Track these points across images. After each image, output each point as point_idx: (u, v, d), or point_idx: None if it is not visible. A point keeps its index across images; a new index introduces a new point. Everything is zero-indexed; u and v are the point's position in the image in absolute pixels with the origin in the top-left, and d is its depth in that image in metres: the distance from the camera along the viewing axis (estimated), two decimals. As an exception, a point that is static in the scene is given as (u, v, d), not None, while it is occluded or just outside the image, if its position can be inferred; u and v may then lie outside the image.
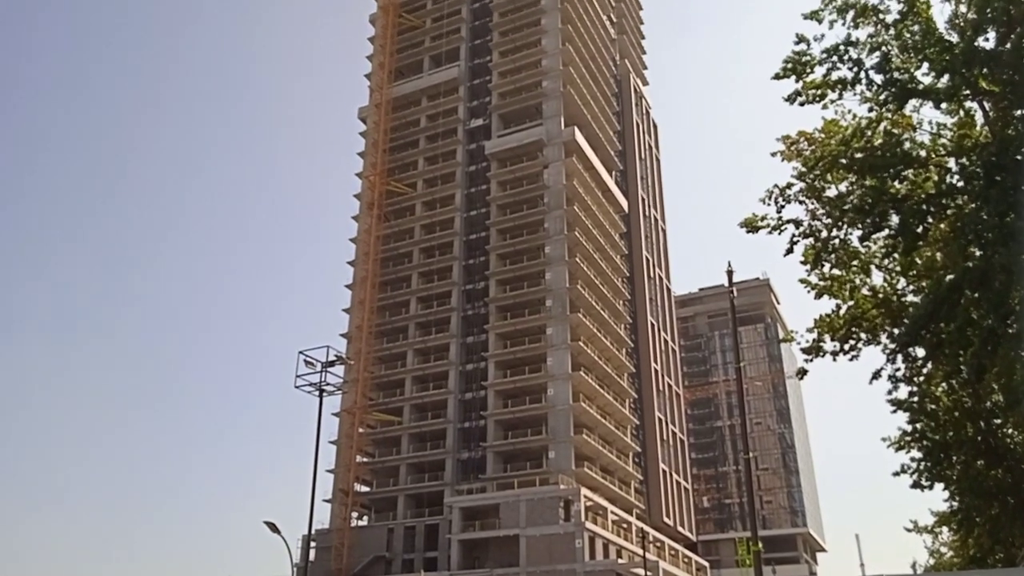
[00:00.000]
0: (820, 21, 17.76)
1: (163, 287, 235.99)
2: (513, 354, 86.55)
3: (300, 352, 39.13)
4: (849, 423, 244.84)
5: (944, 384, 21.39)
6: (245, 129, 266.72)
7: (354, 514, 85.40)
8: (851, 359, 19.52)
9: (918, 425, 23.37)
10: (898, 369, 19.25)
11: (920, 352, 18.55)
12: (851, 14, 17.29)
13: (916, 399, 22.57)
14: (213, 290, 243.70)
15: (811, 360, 19.71)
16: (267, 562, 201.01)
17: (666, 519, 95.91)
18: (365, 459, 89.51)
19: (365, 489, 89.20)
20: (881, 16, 17.13)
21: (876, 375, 18.54)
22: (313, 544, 70.81)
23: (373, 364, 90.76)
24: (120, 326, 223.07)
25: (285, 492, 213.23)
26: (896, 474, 24.71)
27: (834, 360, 19.63)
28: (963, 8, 16.62)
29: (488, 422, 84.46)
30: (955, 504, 26.58)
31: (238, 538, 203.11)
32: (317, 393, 39.11)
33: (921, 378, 21.08)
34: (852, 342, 19.31)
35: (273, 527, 35.15)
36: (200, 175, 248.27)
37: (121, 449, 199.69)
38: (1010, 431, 22.35)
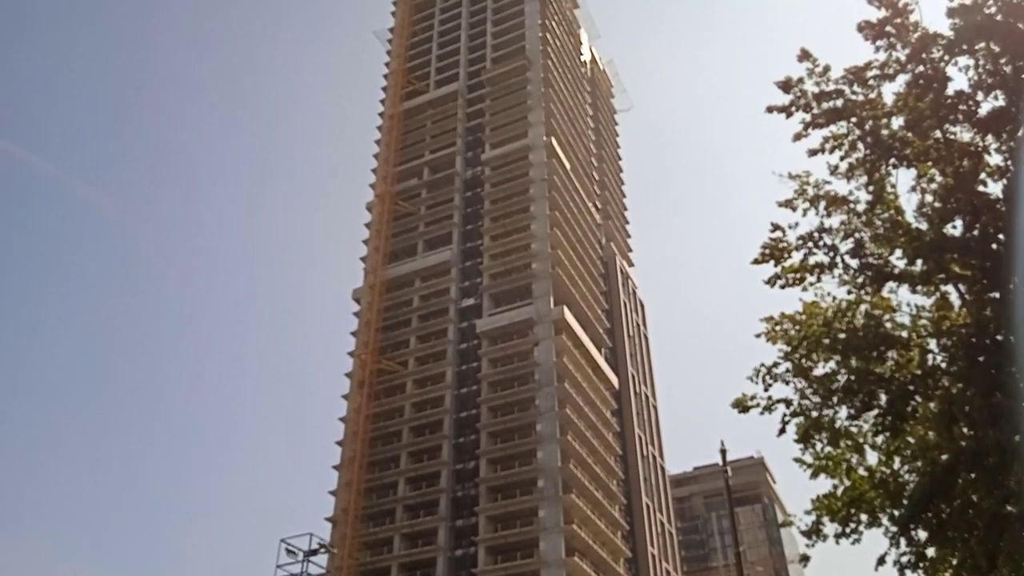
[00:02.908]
0: (794, 209, 18.60)
1: (144, 469, 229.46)
2: (504, 539, 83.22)
3: (282, 540, 37.78)
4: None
5: (951, 570, 20.58)
6: (241, 309, 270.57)
7: None
8: (853, 543, 18.87)
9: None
10: (903, 554, 18.57)
11: (923, 535, 18.01)
12: (823, 203, 18.15)
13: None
14: (193, 468, 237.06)
15: (812, 544, 18.99)
16: None
17: None
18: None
19: None
20: (851, 205, 18.00)
21: (881, 561, 17.85)
22: None
23: (359, 550, 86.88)
24: (103, 507, 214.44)
25: None
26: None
27: (837, 543, 18.98)
28: (929, 198, 17.52)
29: (478, 614, 79.75)
30: None
31: None
32: (299, 584, 37.22)
33: (926, 564, 20.31)
34: (853, 525, 18.74)
35: None
36: (192, 350, 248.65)
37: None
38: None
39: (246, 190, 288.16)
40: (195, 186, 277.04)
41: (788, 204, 18.67)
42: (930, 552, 19.64)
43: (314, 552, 37.70)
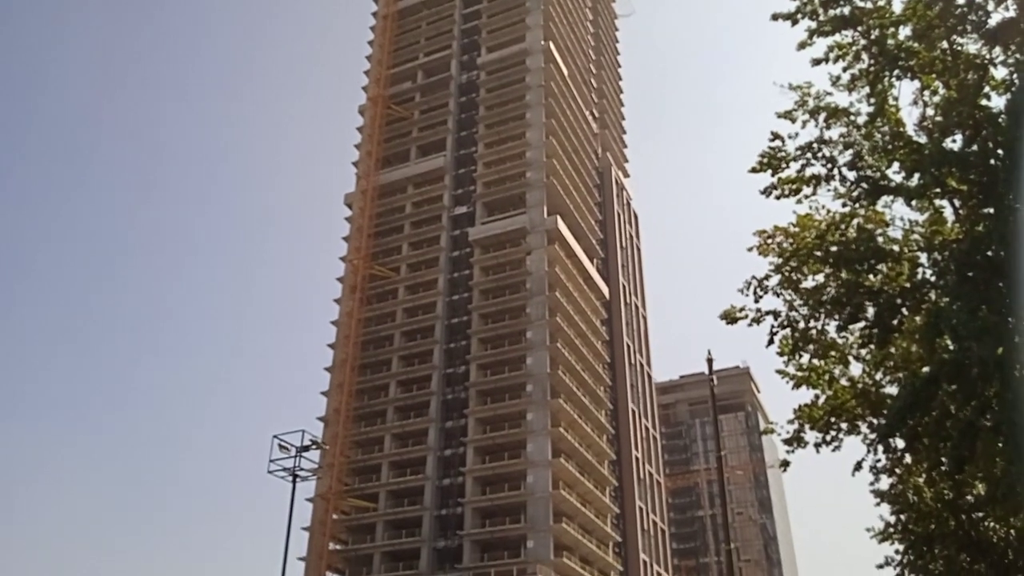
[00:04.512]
0: (794, 120, 18.40)
1: (138, 368, 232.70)
2: (492, 440, 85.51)
3: (274, 436, 38.54)
4: (832, 514, 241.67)
5: (925, 476, 21.34)
6: (232, 211, 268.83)
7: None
8: (833, 450, 19.47)
9: (901, 517, 23.18)
10: (879, 460, 19.21)
11: (900, 443, 18.58)
12: (823, 115, 17.95)
13: (898, 491, 22.46)
14: (190, 370, 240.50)
15: (792, 451, 19.60)
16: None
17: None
18: (338, 547, 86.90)
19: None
20: (852, 117, 17.81)
21: (858, 466, 18.49)
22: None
23: (350, 449, 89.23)
24: (97, 406, 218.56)
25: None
26: (880, 566, 24.34)
27: (816, 451, 19.57)
28: (930, 111, 17.34)
29: (465, 509, 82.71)
30: (940, 600, 26.14)
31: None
32: (291, 478, 38.33)
33: (901, 469, 21.04)
34: (833, 433, 19.28)
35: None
36: (184, 253, 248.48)
37: (93, 535, 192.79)
38: (992, 524, 22.19)
39: (235, 91, 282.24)
40: (182, 86, 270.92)
41: (788, 115, 18.48)
42: (906, 459, 20.35)
43: (306, 448, 38.52)
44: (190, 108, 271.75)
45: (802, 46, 17.86)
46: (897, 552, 23.81)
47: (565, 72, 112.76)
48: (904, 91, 18.08)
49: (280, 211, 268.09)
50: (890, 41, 16.98)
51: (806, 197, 18.39)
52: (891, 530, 24.02)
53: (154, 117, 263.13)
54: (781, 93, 18.46)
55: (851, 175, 17.43)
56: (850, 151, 17.63)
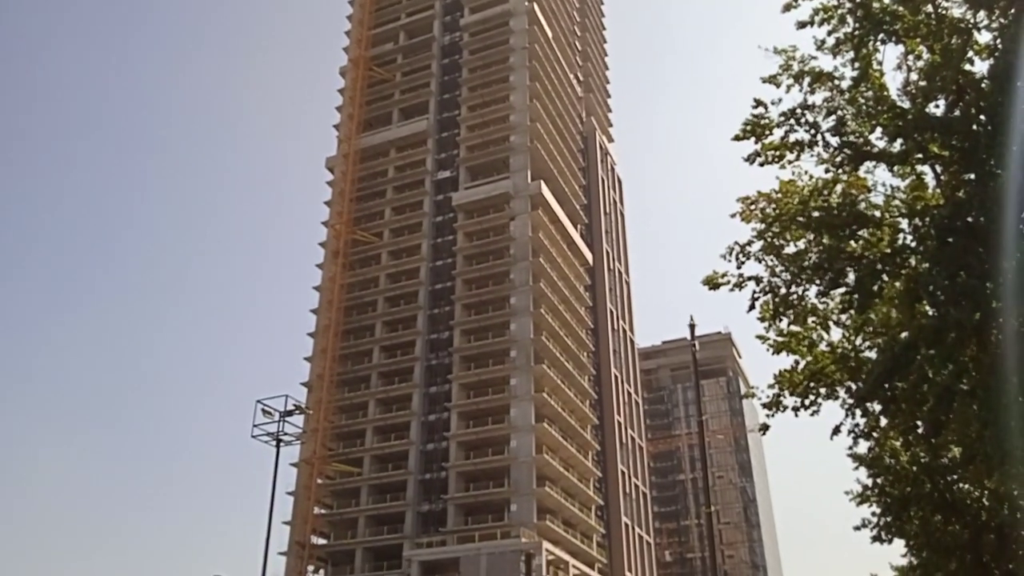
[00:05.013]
0: (778, 85, 18.33)
1: (122, 330, 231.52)
2: (476, 405, 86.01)
3: (258, 401, 38.55)
4: (811, 477, 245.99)
5: (902, 439, 21.67)
6: (210, 175, 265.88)
7: (310, 567, 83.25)
8: (812, 414, 19.70)
9: (878, 480, 23.59)
10: (857, 424, 19.46)
11: (878, 407, 18.81)
12: (807, 80, 17.88)
13: (875, 454, 22.82)
14: (171, 335, 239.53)
15: (772, 415, 19.81)
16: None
17: (628, 573, 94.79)
18: (323, 511, 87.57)
19: (322, 542, 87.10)
20: (836, 82, 17.76)
21: (836, 430, 18.71)
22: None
23: (333, 414, 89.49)
24: (75, 367, 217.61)
25: (239, 545, 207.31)
26: (857, 528, 24.84)
27: (795, 415, 19.79)
28: (914, 76, 17.31)
29: (450, 474, 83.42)
30: (914, 559, 26.74)
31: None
32: (274, 443, 38.42)
33: (879, 434, 21.34)
34: (812, 397, 19.48)
35: (225, 582, 34.04)
36: (160, 217, 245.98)
37: (68, 498, 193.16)
38: (967, 487, 22.63)
39: (213, 51, 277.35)
40: (159, 45, 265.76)
41: (772, 80, 18.41)
42: (883, 423, 20.62)
43: (290, 413, 38.57)
44: (168, 69, 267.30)
45: (787, 8, 17.77)
46: (874, 514, 24.29)
47: (549, 34, 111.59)
48: (888, 56, 18.00)
49: (261, 175, 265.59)
50: (875, 4, 16.91)
51: (789, 163, 18.39)
52: (868, 493, 24.49)
53: (131, 78, 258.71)
54: (766, 57, 18.37)
55: (834, 141, 17.42)
56: (833, 117, 17.61)
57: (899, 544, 25.32)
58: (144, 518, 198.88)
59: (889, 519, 23.53)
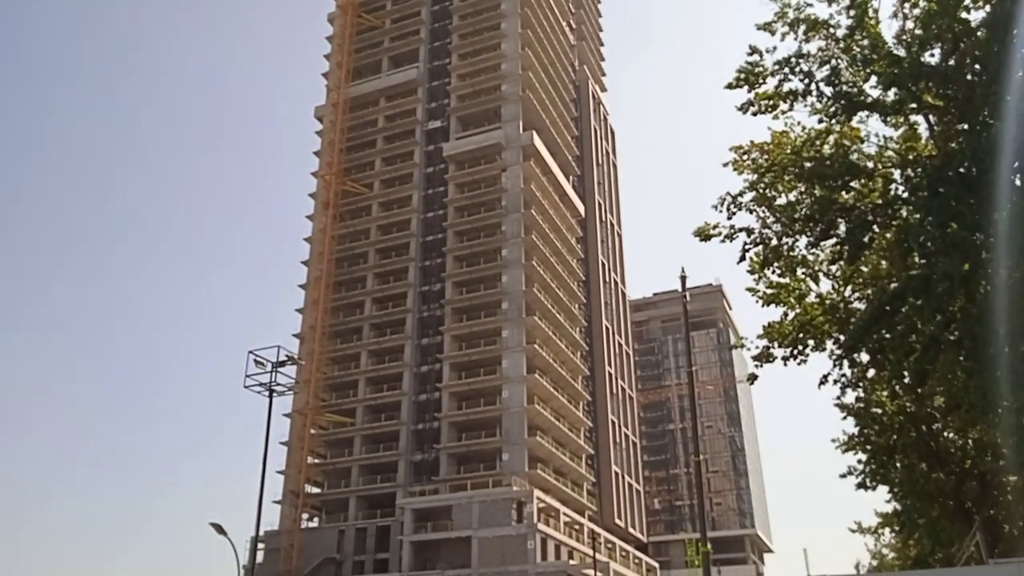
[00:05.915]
0: (773, 33, 18.11)
1: (112, 281, 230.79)
2: (468, 356, 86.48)
3: (250, 352, 38.55)
4: (799, 426, 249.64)
5: (888, 389, 21.95)
6: (198, 123, 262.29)
7: (304, 516, 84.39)
8: (799, 364, 19.90)
9: (864, 429, 24.00)
10: (844, 374, 19.68)
11: (865, 358, 19.00)
12: (803, 28, 17.65)
13: (862, 403, 23.15)
14: (162, 287, 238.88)
15: (761, 366, 20.01)
16: (214, 565, 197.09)
17: (618, 521, 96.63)
18: (316, 461, 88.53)
19: (316, 491, 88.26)
20: (831, 30, 17.53)
21: (824, 380, 18.93)
22: (262, 546, 69.84)
23: (326, 365, 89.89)
24: (65, 320, 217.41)
25: (233, 494, 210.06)
26: (843, 476, 25.38)
27: (784, 365, 19.98)
28: (910, 24, 17.09)
29: (442, 424, 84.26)
30: (898, 506, 27.36)
31: (185, 540, 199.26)
32: (267, 394, 38.61)
33: (866, 383, 21.61)
34: (800, 348, 19.65)
35: (219, 529, 34.53)
36: (150, 169, 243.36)
37: (58, 449, 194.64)
38: (951, 435, 23.04)
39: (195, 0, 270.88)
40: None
41: (767, 27, 18.19)
42: (870, 373, 20.85)
43: (282, 364, 38.62)
44: (153, 15, 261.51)
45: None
46: (860, 462, 24.77)
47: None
48: (884, 3, 17.81)
49: (248, 124, 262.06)
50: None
51: (783, 113, 18.27)
52: (854, 441, 24.93)
53: (117, 26, 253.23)
54: (762, 4, 18.11)
55: (828, 90, 17.28)
56: (828, 66, 17.44)
57: (884, 491, 25.87)
58: (138, 468, 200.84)
59: (874, 467, 23.99)
